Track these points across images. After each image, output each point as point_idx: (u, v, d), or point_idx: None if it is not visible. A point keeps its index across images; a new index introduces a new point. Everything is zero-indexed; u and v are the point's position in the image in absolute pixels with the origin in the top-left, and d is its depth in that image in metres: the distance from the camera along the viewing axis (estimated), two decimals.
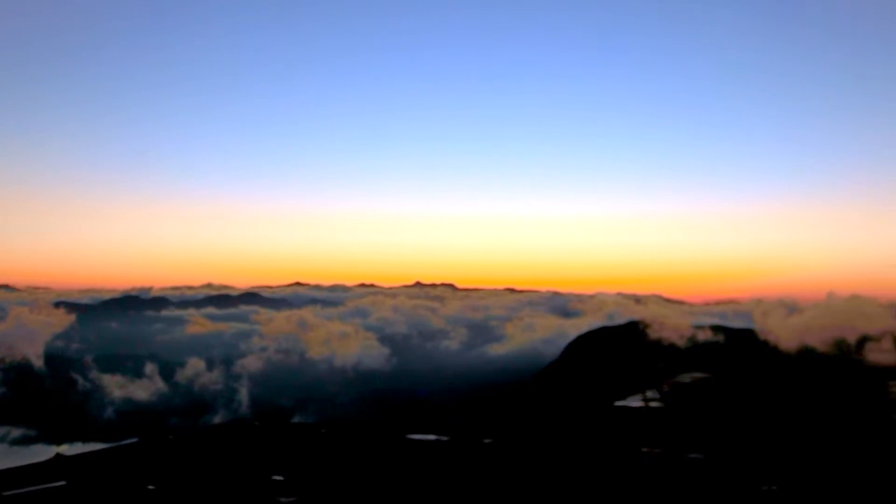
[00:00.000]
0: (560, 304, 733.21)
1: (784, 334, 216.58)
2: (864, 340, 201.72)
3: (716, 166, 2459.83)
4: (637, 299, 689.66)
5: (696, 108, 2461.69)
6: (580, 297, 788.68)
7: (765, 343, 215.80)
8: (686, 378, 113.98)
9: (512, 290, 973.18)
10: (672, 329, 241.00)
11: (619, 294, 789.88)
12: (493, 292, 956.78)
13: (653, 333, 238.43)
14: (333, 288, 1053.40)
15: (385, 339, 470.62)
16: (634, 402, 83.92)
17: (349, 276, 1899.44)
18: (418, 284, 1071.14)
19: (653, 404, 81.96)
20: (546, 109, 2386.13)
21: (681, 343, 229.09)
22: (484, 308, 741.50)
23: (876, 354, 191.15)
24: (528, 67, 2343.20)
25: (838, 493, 41.84)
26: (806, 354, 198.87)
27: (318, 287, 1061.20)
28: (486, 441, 67.80)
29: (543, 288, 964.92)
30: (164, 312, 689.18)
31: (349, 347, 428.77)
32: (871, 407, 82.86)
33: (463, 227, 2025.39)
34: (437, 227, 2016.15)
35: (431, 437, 76.32)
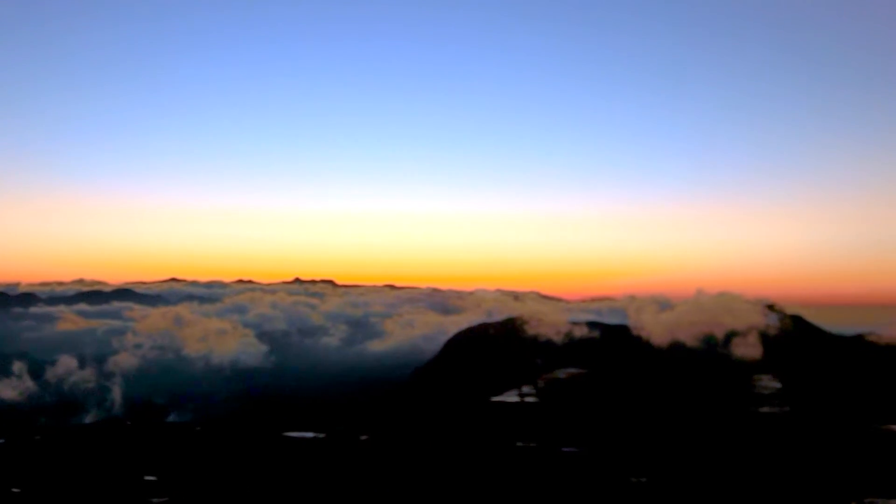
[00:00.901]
0: (439, 301, 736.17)
1: (656, 330, 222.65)
2: (731, 335, 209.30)
3: (591, 167, 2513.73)
4: (515, 296, 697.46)
5: (572, 106, 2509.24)
6: (459, 294, 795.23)
7: (638, 339, 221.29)
8: (562, 373, 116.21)
9: (392, 287, 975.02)
10: (549, 325, 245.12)
11: (497, 291, 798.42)
12: (374, 289, 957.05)
13: (530, 330, 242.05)
14: (210, 284, 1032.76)
15: (263, 335, 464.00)
16: (511, 397, 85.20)
17: (227, 272, 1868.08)
18: (297, 281, 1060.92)
19: (528, 399, 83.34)
20: (425, 106, 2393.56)
21: (557, 339, 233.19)
22: (364, 304, 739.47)
23: (742, 349, 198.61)
24: (405, 63, 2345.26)
25: (705, 483, 43.34)
26: (676, 349, 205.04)
27: (194, 283, 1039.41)
28: (363, 438, 67.88)
29: (423, 284, 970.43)
30: (33, 309, 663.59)
31: (226, 345, 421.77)
32: (737, 400, 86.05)
33: (342, 223, 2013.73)
34: (316, 224, 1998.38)
35: (309, 434, 75.92)
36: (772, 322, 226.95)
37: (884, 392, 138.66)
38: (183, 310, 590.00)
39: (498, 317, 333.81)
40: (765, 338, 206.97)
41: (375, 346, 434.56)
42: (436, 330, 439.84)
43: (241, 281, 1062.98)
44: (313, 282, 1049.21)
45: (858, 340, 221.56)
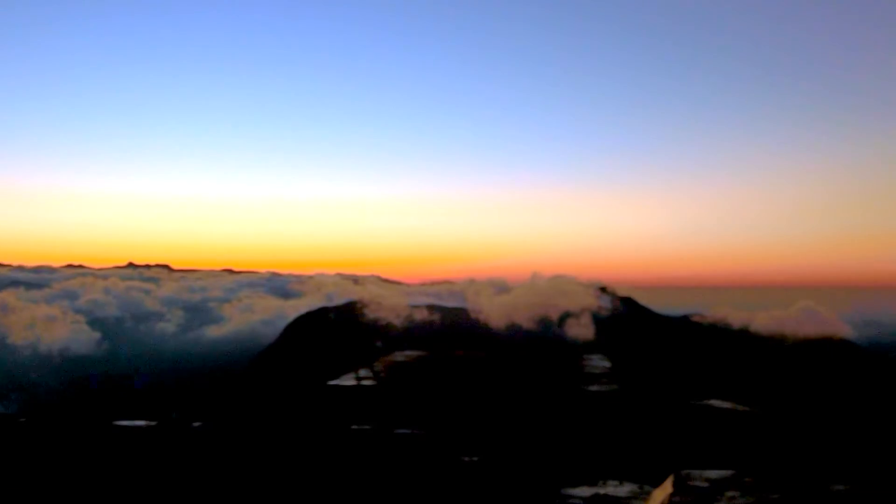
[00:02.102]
0: (279, 285, 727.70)
1: (493, 313, 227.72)
2: (565, 317, 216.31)
3: (428, 152, 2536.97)
4: (355, 280, 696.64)
5: (407, 91, 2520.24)
6: (299, 278, 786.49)
7: (476, 321, 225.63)
8: (400, 356, 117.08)
9: (230, 271, 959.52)
10: (389, 309, 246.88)
11: (337, 275, 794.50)
12: (211, 273, 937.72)
13: (370, 313, 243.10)
14: (38, 269, 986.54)
15: (95, 322, 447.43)
16: (347, 380, 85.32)
17: (55, 256, 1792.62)
18: (131, 265, 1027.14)
19: (365, 383, 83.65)
20: (259, 88, 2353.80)
21: (397, 322, 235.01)
22: (201, 289, 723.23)
23: (575, 330, 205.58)
24: (239, 44, 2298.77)
25: (534, 460, 44.51)
26: (513, 331, 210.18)
27: (20, 268, 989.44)
28: (196, 425, 66.65)
29: (263, 269, 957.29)
30: None
31: (56, 332, 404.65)
32: (568, 379, 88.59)
33: (178, 206, 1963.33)
34: (150, 207, 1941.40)
35: (140, 423, 73.96)
36: (604, 304, 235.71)
37: (706, 369, 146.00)
38: (8, 296, 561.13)
39: (338, 301, 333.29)
40: (597, 319, 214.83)
41: (213, 332, 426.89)
42: (275, 314, 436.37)
43: (70, 266, 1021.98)
44: (148, 266, 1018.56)
45: (684, 321, 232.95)
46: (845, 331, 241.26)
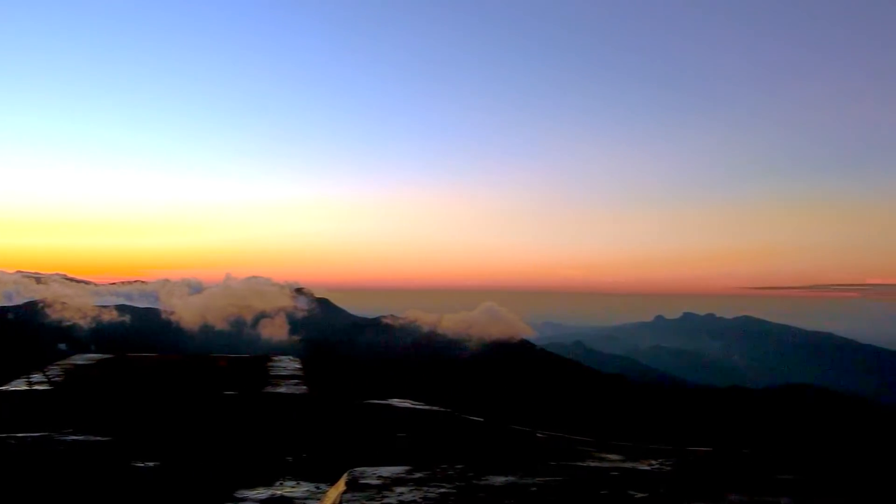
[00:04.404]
0: None
1: (186, 313, 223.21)
2: (260, 318, 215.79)
3: (121, 151, 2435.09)
4: (38, 278, 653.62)
5: (89, 96, 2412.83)
6: None
7: (168, 322, 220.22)
8: (80, 359, 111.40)
9: None
10: (75, 309, 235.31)
11: (18, 272, 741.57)
12: None
13: (54, 314, 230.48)
14: None
15: None
16: (19, 385, 79.88)
17: None
18: None
19: (39, 388, 78.71)
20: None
21: (84, 323, 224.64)
22: None
23: (269, 330, 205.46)
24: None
25: (211, 464, 43.89)
26: (206, 331, 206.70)
27: None
28: None
29: None
30: None
31: None
32: (254, 382, 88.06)
33: None
34: None
35: None
36: (300, 305, 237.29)
37: (395, 369, 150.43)
38: None
39: (18, 300, 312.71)
40: (292, 319, 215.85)
41: None
42: None
43: None
44: None
45: (377, 322, 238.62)
46: (526, 332, 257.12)
